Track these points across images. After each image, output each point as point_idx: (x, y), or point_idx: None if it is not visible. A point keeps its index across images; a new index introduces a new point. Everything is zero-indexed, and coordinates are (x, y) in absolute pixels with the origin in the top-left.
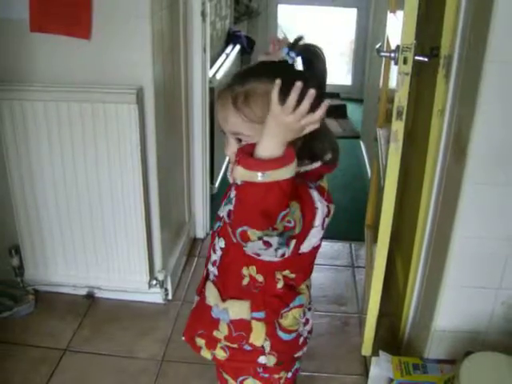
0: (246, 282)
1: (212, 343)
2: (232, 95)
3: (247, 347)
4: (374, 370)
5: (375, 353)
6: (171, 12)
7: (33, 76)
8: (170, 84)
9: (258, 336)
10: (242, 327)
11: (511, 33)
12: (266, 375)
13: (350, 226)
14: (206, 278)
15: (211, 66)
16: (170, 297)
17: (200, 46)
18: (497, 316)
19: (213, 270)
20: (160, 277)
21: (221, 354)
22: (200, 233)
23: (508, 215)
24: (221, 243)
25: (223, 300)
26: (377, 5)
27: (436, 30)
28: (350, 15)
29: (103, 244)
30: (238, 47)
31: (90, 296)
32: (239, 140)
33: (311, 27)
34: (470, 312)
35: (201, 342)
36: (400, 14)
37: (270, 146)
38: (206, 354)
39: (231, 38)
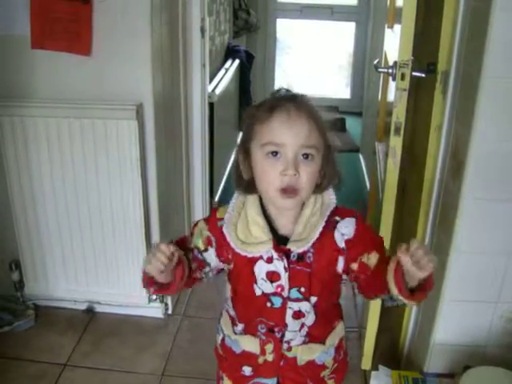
0: (332, 310)
1: (321, 383)
2: (304, 108)
3: (342, 356)
4: None
5: (375, 367)
6: (170, 28)
7: (34, 92)
8: (170, 99)
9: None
10: (340, 345)
11: (507, 49)
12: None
13: None
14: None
15: (210, 81)
16: (169, 311)
17: (199, 62)
18: (495, 330)
19: (300, 333)
20: None
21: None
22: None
23: (506, 230)
24: (312, 300)
25: (324, 342)
26: (375, 19)
27: (433, 46)
28: (348, 29)
29: (103, 259)
30: (237, 62)
31: (89, 311)
32: (305, 156)
33: (310, 41)
34: (469, 326)
35: None
36: (397, 29)
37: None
38: None
39: (230, 52)
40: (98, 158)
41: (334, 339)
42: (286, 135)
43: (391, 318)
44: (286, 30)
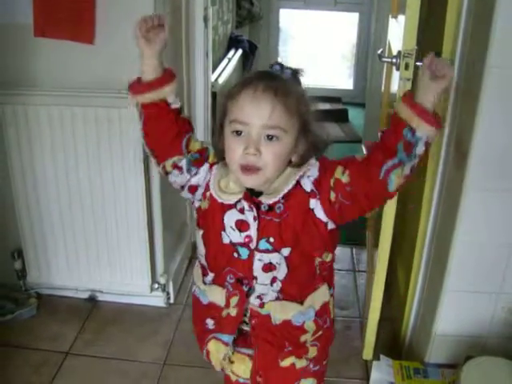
0: (318, 271)
1: (302, 349)
2: (272, 88)
3: (328, 324)
4: (374, 374)
5: (376, 357)
6: (174, 17)
7: (36, 80)
8: None
9: (332, 307)
10: (324, 310)
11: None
12: (317, 367)
13: (352, 230)
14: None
15: (213, 71)
16: (171, 300)
17: (202, 51)
18: (497, 321)
19: (272, 288)
20: (162, 280)
21: (313, 352)
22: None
23: (508, 221)
24: (284, 253)
25: (302, 302)
26: (379, 9)
27: (437, 36)
28: (351, 19)
29: (105, 247)
30: (240, 51)
31: (92, 299)
32: (269, 138)
33: (313, 31)
34: (471, 317)
35: (289, 359)
36: (401, 18)
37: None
38: (300, 363)
39: (233, 42)
40: (100, 146)
41: (313, 301)
42: (249, 114)
43: (393, 308)
44: (289, 20)
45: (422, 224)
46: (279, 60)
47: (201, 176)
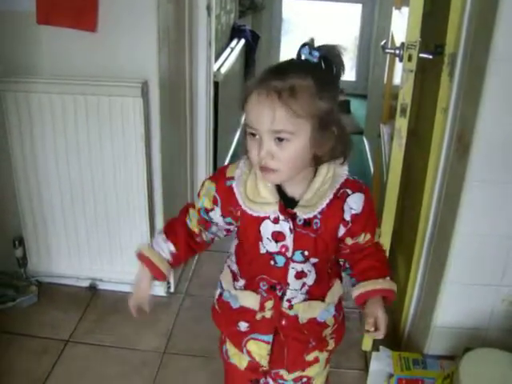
0: (329, 269)
1: (323, 342)
2: (275, 90)
3: (342, 316)
4: (374, 365)
5: (375, 348)
6: (177, 6)
7: (38, 68)
8: (175, 78)
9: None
10: (340, 304)
11: None
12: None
13: None
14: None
15: (216, 60)
16: (172, 290)
17: (205, 40)
18: (497, 313)
19: (301, 291)
20: None
21: (332, 344)
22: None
23: (509, 213)
24: (312, 261)
25: (323, 300)
26: (382, 1)
27: (441, 28)
28: (354, 11)
29: (106, 236)
30: (242, 41)
31: (92, 288)
32: (279, 140)
33: (316, 22)
34: (471, 309)
35: (313, 354)
36: (405, 10)
37: None
38: (322, 356)
39: (236, 32)
40: (102, 135)
41: (333, 297)
42: (255, 120)
43: None
44: (292, 10)
45: (422, 215)
46: (311, 38)
47: (216, 211)
